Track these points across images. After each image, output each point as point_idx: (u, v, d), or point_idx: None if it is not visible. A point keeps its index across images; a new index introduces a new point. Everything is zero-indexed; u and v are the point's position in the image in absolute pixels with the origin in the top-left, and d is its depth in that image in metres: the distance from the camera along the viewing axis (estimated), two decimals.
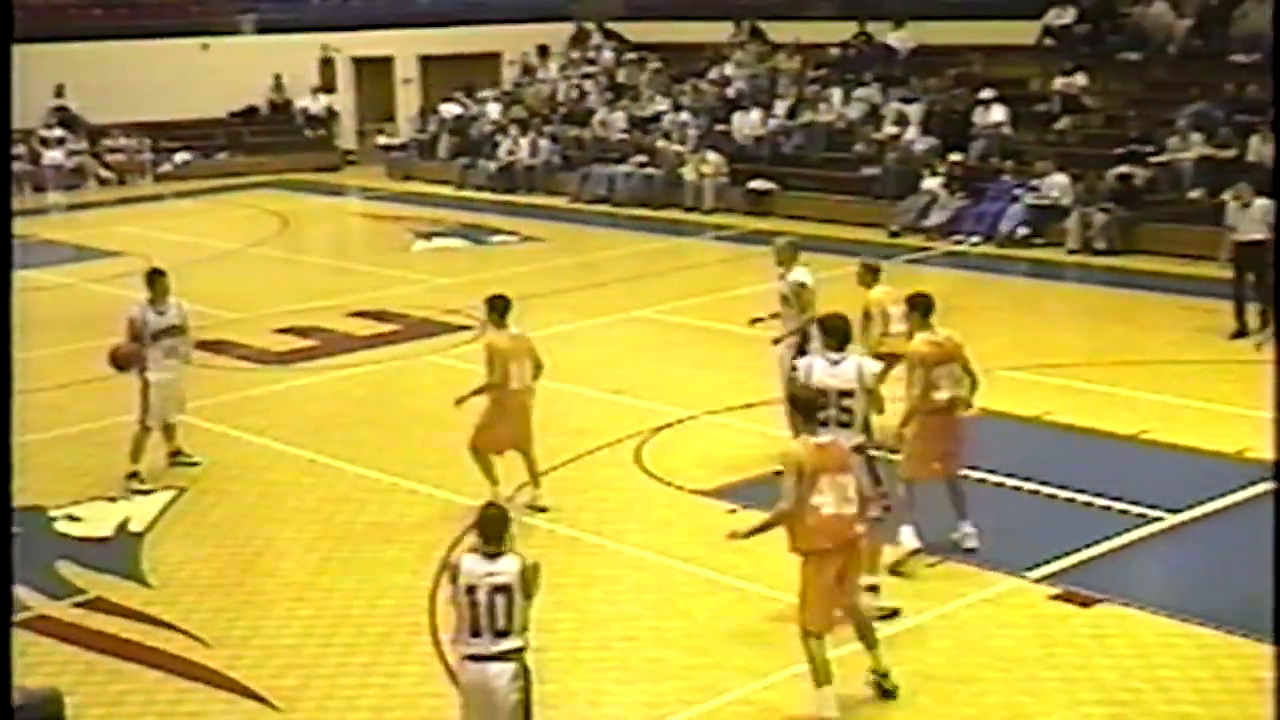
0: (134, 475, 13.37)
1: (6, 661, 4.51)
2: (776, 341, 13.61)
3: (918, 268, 22.41)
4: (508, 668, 7.64)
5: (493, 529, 7.82)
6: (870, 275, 13.76)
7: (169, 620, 10.78)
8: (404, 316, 19.64)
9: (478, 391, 12.52)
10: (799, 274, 14.01)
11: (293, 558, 12.09)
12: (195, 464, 13.80)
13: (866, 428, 10.37)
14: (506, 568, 7.68)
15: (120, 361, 13.45)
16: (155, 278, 13.79)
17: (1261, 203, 17.55)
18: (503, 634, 7.63)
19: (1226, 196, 18.47)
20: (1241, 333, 17.16)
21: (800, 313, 13.80)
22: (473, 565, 7.77)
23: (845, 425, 10.02)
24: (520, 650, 7.70)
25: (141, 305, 13.60)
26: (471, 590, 7.66)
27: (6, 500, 4.43)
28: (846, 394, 10.15)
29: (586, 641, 10.18)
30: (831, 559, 8.88)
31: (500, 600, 7.62)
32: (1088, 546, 11.40)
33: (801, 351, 12.78)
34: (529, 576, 7.70)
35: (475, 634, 7.67)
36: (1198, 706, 9.10)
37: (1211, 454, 13.37)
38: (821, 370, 10.28)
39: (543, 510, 12.35)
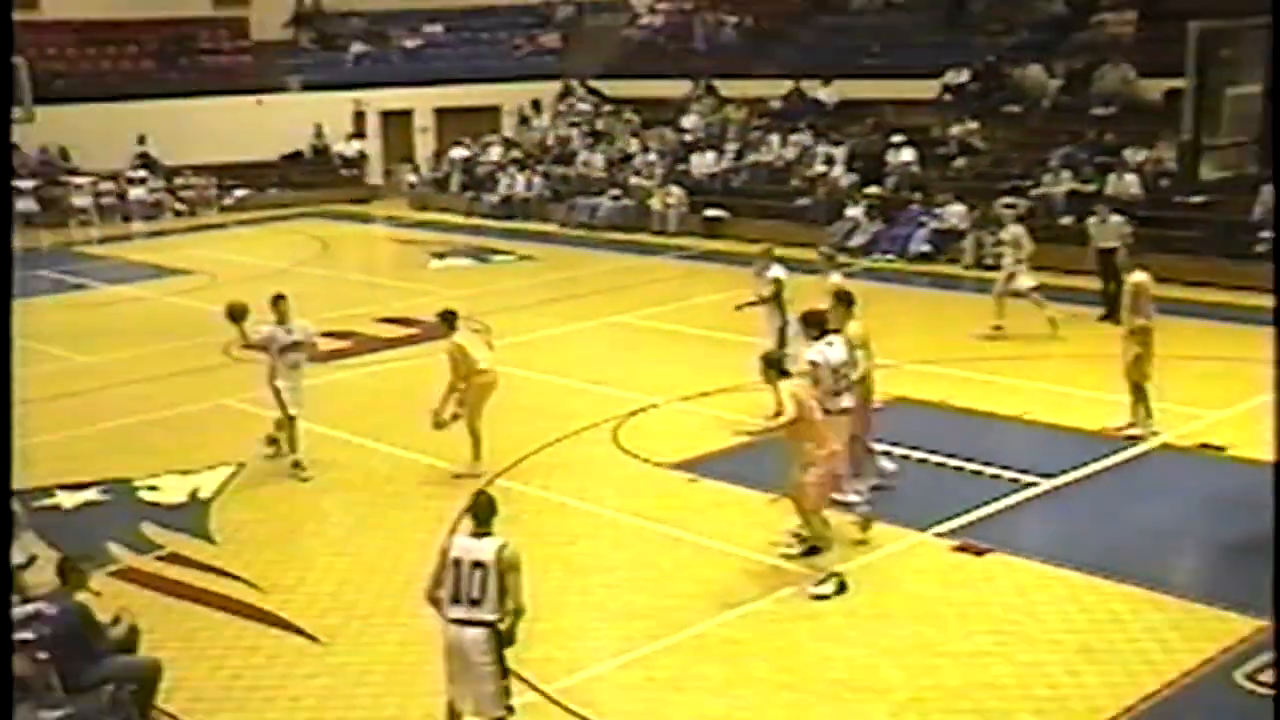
0: (296, 464, 13.01)
1: (7, 659, 4.39)
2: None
3: (843, 281, 22.41)
4: (480, 633, 7.49)
5: (483, 513, 7.72)
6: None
7: (232, 571, 10.75)
8: (422, 322, 19.47)
9: (449, 393, 12.59)
10: (776, 270, 14.31)
11: (333, 520, 12.07)
12: (307, 478, 13.01)
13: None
14: (486, 547, 7.55)
15: (234, 313, 13.11)
16: (278, 301, 13.23)
17: (1115, 219, 18.23)
18: (475, 603, 7.48)
19: (1092, 220, 18.67)
20: (1107, 316, 17.39)
21: (779, 309, 14.01)
22: (461, 542, 7.69)
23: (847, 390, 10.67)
24: (492, 622, 7.48)
25: (273, 325, 13.19)
26: (457, 563, 7.56)
27: (6, 500, 4.31)
28: (844, 363, 10.65)
29: (572, 588, 10.17)
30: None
31: (477, 574, 7.48)
32: (980, 507, 11.42)
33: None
34: (505, 557, 7.49)
35: (455, 600, 7.56)
36: (1066, 634, 9.15)
37: (1079, 430, 13.41)
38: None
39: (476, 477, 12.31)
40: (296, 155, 35.07)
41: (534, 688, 8.61)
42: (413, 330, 19.08)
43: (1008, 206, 21.13)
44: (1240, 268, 19.65)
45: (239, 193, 33.35)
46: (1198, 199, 21.08)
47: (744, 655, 9.01)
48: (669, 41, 35.30)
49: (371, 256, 29.02)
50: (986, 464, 12.41)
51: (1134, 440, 12.90)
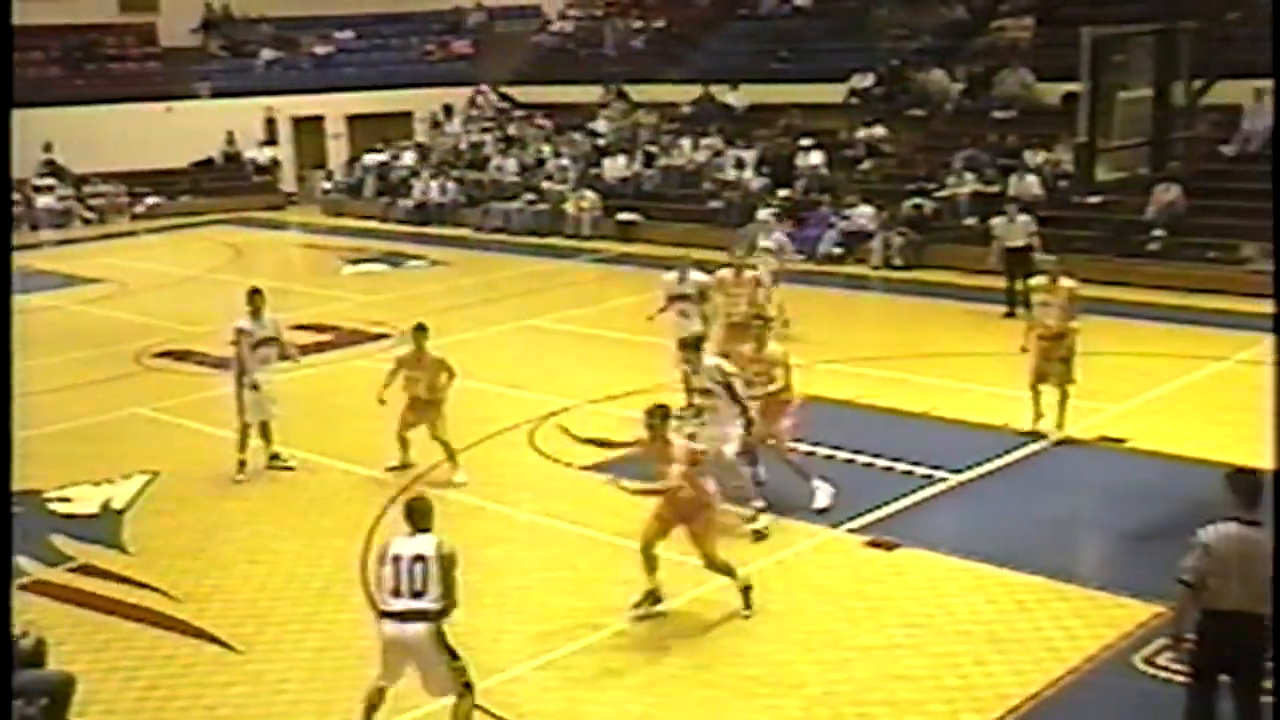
0: (242, 464, 12.89)
1: (7, 662, 4.30)
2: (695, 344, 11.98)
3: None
4: (423, 626, 7.54)
5: (419, 515, 7.77)
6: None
7: (145, 581, 10.57)
8: (336, 328, 19.38)
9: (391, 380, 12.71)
10: (697, 276, 14.57)
11: (248, 527, 11.88)
12: (290, 468, 13.06)
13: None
14: (426, 541, 7.64)
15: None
16: (253, 296, 13.10)
17: (1023, 218, 18.45)
18: (418, 595, 7.53)
19: (999, 220, 18.91)
20: (1011, 314, 17.76)
21: (703, 315, 14.15)
22: (399, 540, 7.74)
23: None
24: (439, 612, 7.57)
25: (247, 319, 13.06)
26: (396, 560, 7.61)
27: (6, 500, 4.24)
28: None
29: (489, 590, 10.12)
30: None
31: (419, 567, 7.54)
32: (890, 502, 11.56)
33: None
34: (446, 552, 7.60)
35: (395, 594, 7.59)
36: (974, 625, 9.29)
37: (985, 426, 13.60)
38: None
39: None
40: (208, 162, 34.59)
41: None
42: (327, 337, 18.89)
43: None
44: (1135, 266, 20.12)
45: (149, 200, 32.81)
46: (1094, 199, 21.51)
47: (661, 653, 9.04)
48: (580, 47, 35.33)
49: (285, 263, 28.66)
50: (896, 460, 12.55)
51: (1037, 436, 13.06)
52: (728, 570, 9.56)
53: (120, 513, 12.15)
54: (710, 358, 11.22)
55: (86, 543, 11.45)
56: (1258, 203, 20.20)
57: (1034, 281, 13.57)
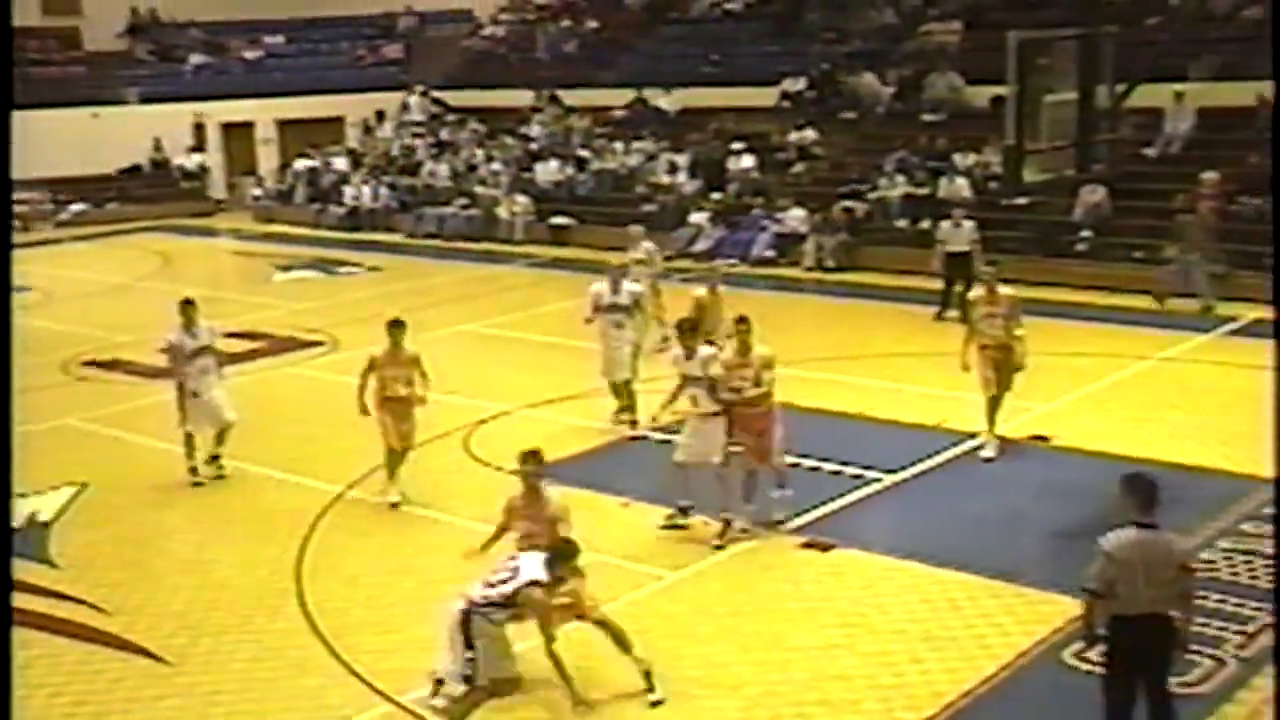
0: (193, 470, 12.72)
1: (7, 659, 4.21)
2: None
3: (689, 285, 22.60)
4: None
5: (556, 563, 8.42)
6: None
7: (74, 594, 10.39)
8: (268, 335, 19.18)
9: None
10: (632, 286, 14.29)
11: (179, 538, 11.74)
12: (221, 477, 12.87)
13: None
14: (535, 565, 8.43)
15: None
16: (186, 306, 12.87)
17: (968, 224, 18.47)
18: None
19: (944, 224, 18.88)
20: (941, 316, 17.93)
21: (641, 320, 14.10)
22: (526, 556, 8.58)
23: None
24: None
25: (178, 330, 12.82)
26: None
27: (6, 500, 4.14)
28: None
29: (426, 597, 10.02)
30: None
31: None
32: (826, 503, 11.62)
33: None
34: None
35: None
36: (909, 624, 9.36)
37: (918, 426, 13.72)
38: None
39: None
40: (135, 169, 34.11)
41: (390, 699, 8.52)
42: (259, 344, 18.69)
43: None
44: (1062, 266, 20.38)
45: (75, 207, 32.29)
46: (1022, 200, 21.78)
47: (599, 657, 9.00)
48: (512, 51, 35.25)
49: (215, 270, 28.31)
50: (830, 461, 12.62)
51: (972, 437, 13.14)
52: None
53: (47, 525, 11.94)
54: (706, 348, 11.11)
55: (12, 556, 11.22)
56: (1180, 204, 20.60)
57: (973, 294, 13.13)
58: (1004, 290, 12.75)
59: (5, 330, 4.02)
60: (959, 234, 18.40)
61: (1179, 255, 19.12)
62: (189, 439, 12.80)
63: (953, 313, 17.53)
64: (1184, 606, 7.02)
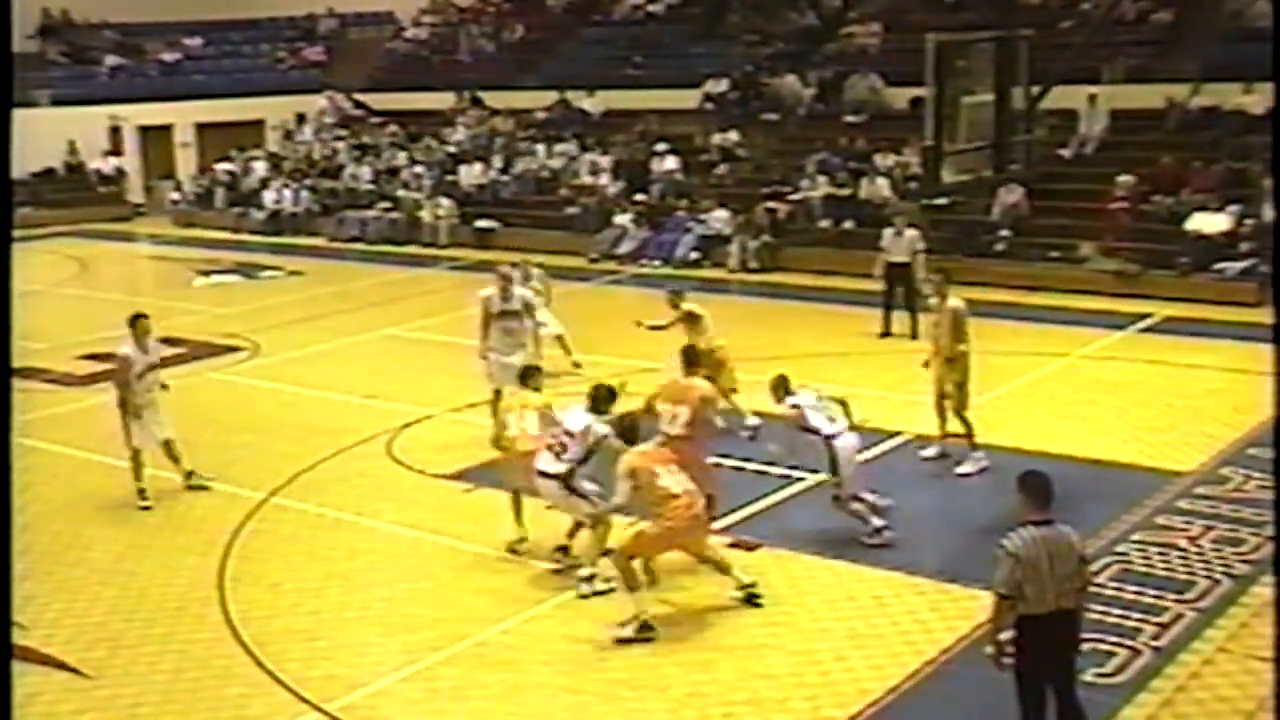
0: (141, 492, 12.25)
1: (7, 662, 4.09)
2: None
3: (613, 287, 22.70)
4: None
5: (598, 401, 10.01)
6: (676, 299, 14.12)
7: None
8: (188, 341, 18.89)
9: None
10: (523, 291, 14.22)
11: (98, 548, 11.51)
12: (207, 486, 12.52)
13: None
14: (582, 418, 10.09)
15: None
16: (140, 320, 12.52)
17: (910, 233, 17.73)
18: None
19: (887, 232, 18.02)
20: (887, 333, 17.52)
21: (533, 334, 14.00)
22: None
23: None
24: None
25: (130, 344, 12.41)
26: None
27: (6, 498, 4.02)
28: None
29: (352, 603, 9.99)
30: None
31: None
32: (750, 504, 11.67)
33: None
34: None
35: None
36: (834, 622, 9.43)
37: None
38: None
39: None
40: (49, 173, 33.51)
41: (316, 707, 8.44)
42: (179, 350, 18.38)
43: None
44: (982, 265, 20.65)
45: None
46: (941, 201, 22.04)
47: (525, 661, 9.00)
48: (434, 54, 35.08)
49: (133, 276, 27.92)
50: (752, 461, 12.67)
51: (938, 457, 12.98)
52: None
53: None
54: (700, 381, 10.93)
55: None
56: (1094, 203, 20.99)
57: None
58: (950, 303, 12.60)
59: (5, 331, 3.92)
60: (900, 243, 17.70)
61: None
62: (136, 456, 12.37)
63: (898, 329, 17.41)
64: (1082, 598, 7.14)
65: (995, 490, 11.70)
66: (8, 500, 4.14)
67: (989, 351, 15.74)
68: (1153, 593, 9.58)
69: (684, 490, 9.33)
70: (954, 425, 12.66)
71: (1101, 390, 15.03)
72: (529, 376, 11.13)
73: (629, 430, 9.88)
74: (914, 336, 16.51)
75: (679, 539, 9.44)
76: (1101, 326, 17.88)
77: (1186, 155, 21.18)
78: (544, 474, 9.90)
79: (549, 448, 9.96)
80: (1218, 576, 9.81)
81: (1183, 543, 10.46)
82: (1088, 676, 8.28)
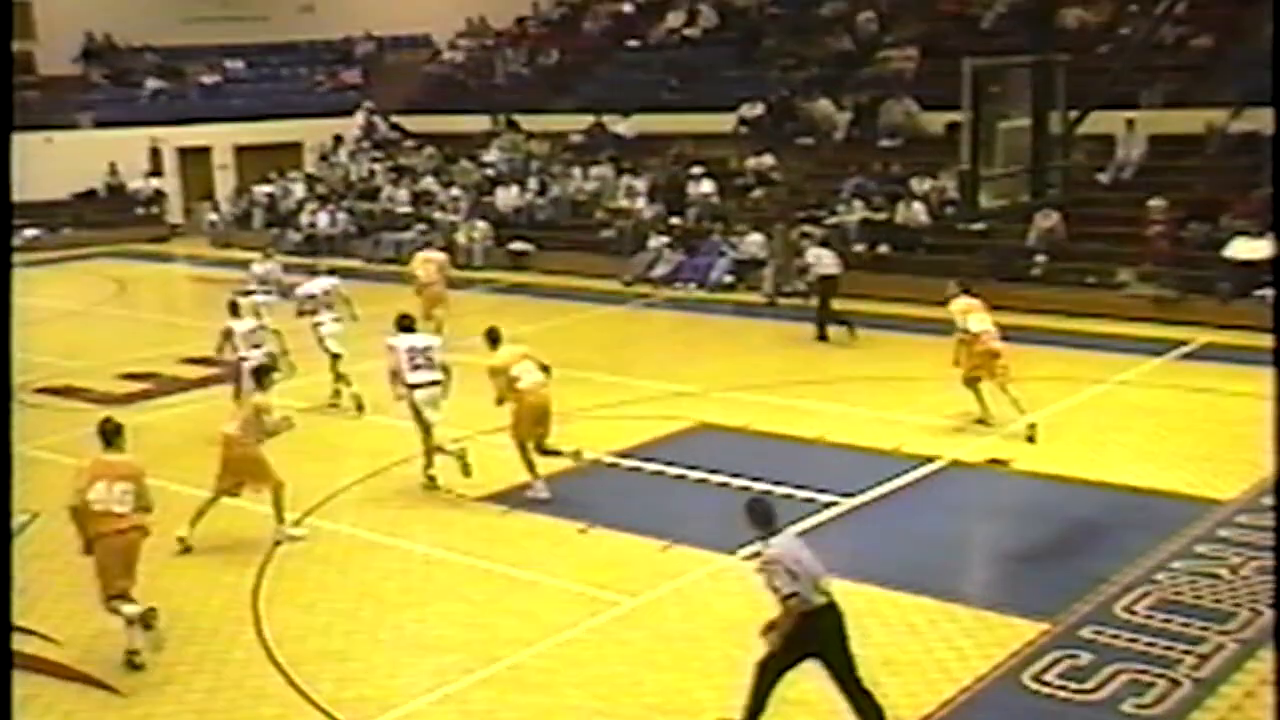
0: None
1: (7, 666, 4.11)
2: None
3: (647, 310, 22.71)
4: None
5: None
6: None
7: (25, 625, 10.20)
8: (226, 361, 18.95)
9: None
10: (328, 281, 16.86)
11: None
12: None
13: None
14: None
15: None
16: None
17: (828, 251, 19.50)
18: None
19: (807, 243, 20.09)
20: (823, 337, 18.80)
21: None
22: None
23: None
24: None
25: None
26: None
27: (6, 500, 4.05)
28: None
29: (385, 625, 9.99)
30: None
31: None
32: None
33: None
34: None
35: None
36: (868, 647, 9.27)
37: (875, 450, 13.76)
38: None
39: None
40: (90, 194, 33.88)
41: None
42: (216, 371, 18.49)
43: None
44: (1017, 291, 20.53)
45: (29, 233, 31.92)
46: (978, 226, 21.94)
47: (558, 684, 8.97)
48: (470, 77, 35.27)
49: (171, 296, 28.13)
50: (787, 485, 12.61)
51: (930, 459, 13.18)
52: None
53: None
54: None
55: None
56: (1131, 229, 20.86)
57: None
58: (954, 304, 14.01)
59: (5, 331, 3.95)
60: (822, 257, 19.30)
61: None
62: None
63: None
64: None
65: (1031, 518, 11.63)
66: (8, 502, 4.17)
67: (1025, 378, 15.65)
68: (1193, 623, 9.46)
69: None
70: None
71: (1140, 417, 14.90)
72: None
73: None
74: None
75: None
76: (1140, 353, 17.74)
77: (1225, 180, 21.03)
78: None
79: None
80: (1260, 607, 9.68)
81: (1224, 572, 10.33)
82: (1127, 707, 8.20)
